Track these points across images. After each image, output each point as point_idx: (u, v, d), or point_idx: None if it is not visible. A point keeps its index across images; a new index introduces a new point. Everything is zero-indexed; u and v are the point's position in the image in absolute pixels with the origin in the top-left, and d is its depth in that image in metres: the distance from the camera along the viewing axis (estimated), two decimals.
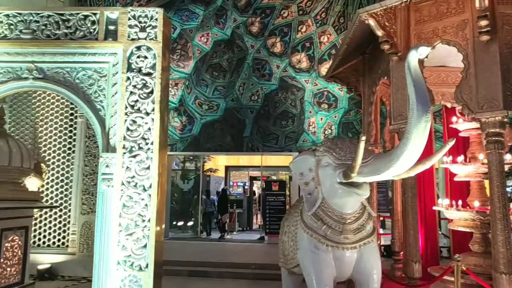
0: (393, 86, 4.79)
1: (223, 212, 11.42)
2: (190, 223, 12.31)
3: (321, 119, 11.29)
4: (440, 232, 6.89)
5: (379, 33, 4.56)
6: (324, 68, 10.48)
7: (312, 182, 3.63)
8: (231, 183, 16.70)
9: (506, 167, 4.94)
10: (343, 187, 3.23)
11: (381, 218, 9.02)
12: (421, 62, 4.43)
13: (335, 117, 11.23)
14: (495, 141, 3.80)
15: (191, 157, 13.52)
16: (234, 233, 11.67)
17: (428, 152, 4.12)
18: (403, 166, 2.85)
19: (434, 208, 5.62)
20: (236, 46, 11.19)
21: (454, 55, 4.35)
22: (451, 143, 3.00)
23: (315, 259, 3.43)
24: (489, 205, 3.86)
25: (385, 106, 6.54)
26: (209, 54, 11.07)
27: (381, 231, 8.65)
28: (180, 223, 12.41)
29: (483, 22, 3.87)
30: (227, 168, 16.03)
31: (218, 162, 15.24)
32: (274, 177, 14.90)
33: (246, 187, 15.71)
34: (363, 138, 2.92)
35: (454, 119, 5.63)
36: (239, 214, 12.28)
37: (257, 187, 14.54)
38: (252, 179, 14.51)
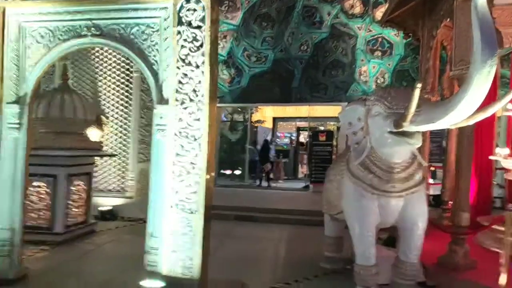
0: (456, 28, 4.40)
1: (264, 162, 11.76)
2: (237, 172, 12.81)
3: (374, 67, 10.77)
4: (495, 183, 6.58)
5: None
6: (379, 12, 9.78)
7: (361, 131, 3.62)
8: (278, 134, 16.85)
9: None
10: (394, 137, 3.19)
11: (432, 168, 8.72)
12: (489, 1, 4.05)
13: (389, 65, 10.66)
14: None
15: (239, 109, 13.71)
16: (280, 181, 11.98)
17: (490, 99, 3.91)
18: (461, 113, 2.71)
19: (491, 157, 5.35)
20: None
21: None
22: None
23: (359, 206, 3.51)
24: None
25: (446, 52, 6.10)
26: (257, 4, 10.74)
27: (431, 181, 8.43)
28: (228, 172, 12.96)
29: None
30: (275, 119, 16.10)
31: (265, 113, 15.33)
32: (321, 128, 14.79)
33: (293, 137, 15.77)
34: (419, 85, 2.80)
35: None
36: (285, 164, 12.52)
37: (303, 137, 14.56)
38: (299, 129, 14.49)
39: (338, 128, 11.11)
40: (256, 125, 14.66)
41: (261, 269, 4.85)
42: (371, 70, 10.73)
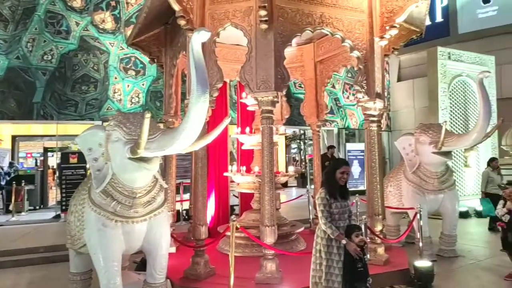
0: (188, 61, 4.92)
1: None
2: None
3: (128, 86, 10.74)
4: (232, 193, 7.77)
5: (176, 7, 4.57)
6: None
7: (102, 158, 3.52)
8: (22, 155, 14.27)
9: (276, 137, 5.94)
10: (133, 163, 3.23)
11: (185, 184, 9.48)
12: (213, 41, 4.78)
13: (143, 85, 10.88)
14: (267, 117, 4.48)
15: None
16: (23, 213, 10.02)
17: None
18: (185, 142, 3.04)
19: (225, 174, 6.29)
20: None
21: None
22: (227, 121, 3.38)
23: (103, 236, 3.38)
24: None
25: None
26: None
27: (186, 196, 9.13)
28: None
29: (262, 12, 4.37)
30: (15, 138, 13.54)
31: (1, 131, 12.68)
32: (74, 146, 13.49)
33: (41, 158, 13.72)
34: (148, 115, 2.94)
35: (244, 94, 6.34)
36: (29, 192, 10.60)
37: (54, 159, 12.89)
38: (47, 150, 12.70)
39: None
40: None
41: None
42: (125, 89, 10.66)
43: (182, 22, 4.67)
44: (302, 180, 18.02)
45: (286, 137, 19.46)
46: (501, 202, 4.95)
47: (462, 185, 9.93)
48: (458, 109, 10.19)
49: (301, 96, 11.84)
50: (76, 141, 3.70)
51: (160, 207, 3.66)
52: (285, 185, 16.45)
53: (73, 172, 9.19)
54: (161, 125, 6.31)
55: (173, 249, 5.40)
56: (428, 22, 13.72)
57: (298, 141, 22.27)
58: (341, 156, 13.75)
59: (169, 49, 6.15)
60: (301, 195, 9.43)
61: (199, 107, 2.85)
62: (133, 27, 6.35)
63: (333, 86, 13.61)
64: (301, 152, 22.48)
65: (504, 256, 5.11)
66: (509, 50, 10.99)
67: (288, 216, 7.36)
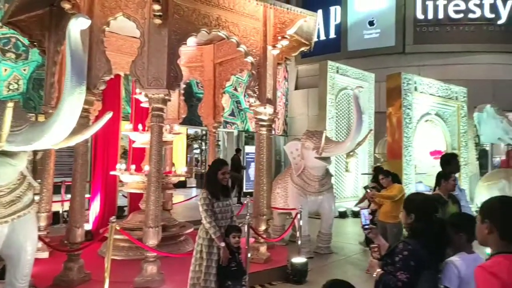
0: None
1: None
2: None
3: (6, 70, 9.42)
4: (121, 194, 7.39)
5: None
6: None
7: None
8: None
9: (171, 136, 5.84)
10: None
11: (69, 183, 8.69)
12: (101, 30, 4.49)
13: (25, 70, 9.67)
14: (158, 115, 4.37)
15: None
16: None
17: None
18: (56, 136, 2.80)
19: (112, 173, 5.95)
20: None
21: None
22: (107, 116, 3.19)
23: None
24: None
25: None
26: None
27: (68, 196, 8.37)
28: None
29: (156, 7, 4.23)
30: None
31: None
32: None
33: None
34: (10, 105, 2.64)
35: (138, 90, 6.08)
36: None
37: None
38: None
39: None
40: None
41: None
42: (3, 73, 9.33)
43: (66, 5, 4.33)
44: (202, 180, 18.01)
45: (188, 136, 19.24)
46: (367, 203, 5.63)
47: (342, 188, 11.00)
48: (342, 119, 11.27)
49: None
50: None
51: (26, 207, 3.30)
52: (183, 185, 16.29)
53: None
54: (43, 117, 5.73)
55: (45, 254, 4.93)
56: (323, 37, 15.23)
57: (199, 141, 22.19)
58: (241, 158, 14.09)
59: (53, 34, 5.59)
60: (196, 195, 9.42)
61: (74, 99, 2.66)
62: (10, 4, 5.63)
63: (235, 89, 13.90)
64: (202, 152, 22.44)
65: (368, 252, 5.79)
66: (386, 69, 12.52)
67: (181, 216, 7.30)
